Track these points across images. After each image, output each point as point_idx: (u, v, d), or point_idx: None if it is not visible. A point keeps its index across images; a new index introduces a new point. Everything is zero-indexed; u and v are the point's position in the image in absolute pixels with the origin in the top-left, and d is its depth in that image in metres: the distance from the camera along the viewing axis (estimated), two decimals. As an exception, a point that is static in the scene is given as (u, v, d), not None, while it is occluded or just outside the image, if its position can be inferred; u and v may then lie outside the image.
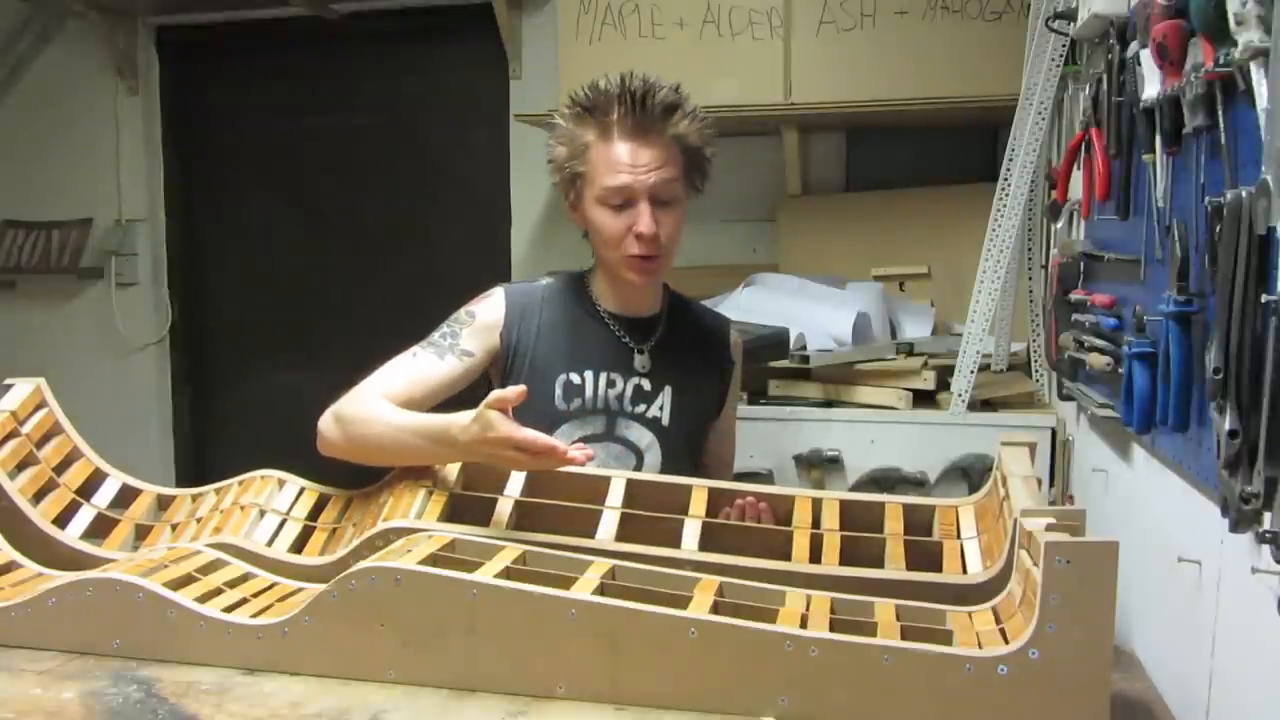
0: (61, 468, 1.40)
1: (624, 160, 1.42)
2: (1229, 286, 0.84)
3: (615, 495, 1.27)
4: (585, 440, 1.50)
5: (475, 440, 1.24)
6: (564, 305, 1.56)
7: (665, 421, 1.53)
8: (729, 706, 0.97)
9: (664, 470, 1.51)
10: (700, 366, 1.60)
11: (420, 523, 1.24)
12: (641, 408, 1.52)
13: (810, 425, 2.15)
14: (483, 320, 1.54)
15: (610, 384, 1.52)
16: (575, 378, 1.52)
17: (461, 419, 1.26)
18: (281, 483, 1.40)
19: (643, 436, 1.52)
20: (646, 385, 1.53)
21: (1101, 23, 1.44)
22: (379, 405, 1.38)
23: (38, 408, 1.42)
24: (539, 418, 1.49)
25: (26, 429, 1.39)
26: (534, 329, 1.54)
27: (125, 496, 1.42)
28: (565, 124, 1.49)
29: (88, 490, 1.41)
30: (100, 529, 1.38)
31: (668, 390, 1.53)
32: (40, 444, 1.39)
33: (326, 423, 1.41)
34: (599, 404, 1.51)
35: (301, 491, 1.39)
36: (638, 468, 1.51)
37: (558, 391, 1.51)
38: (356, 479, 1.38)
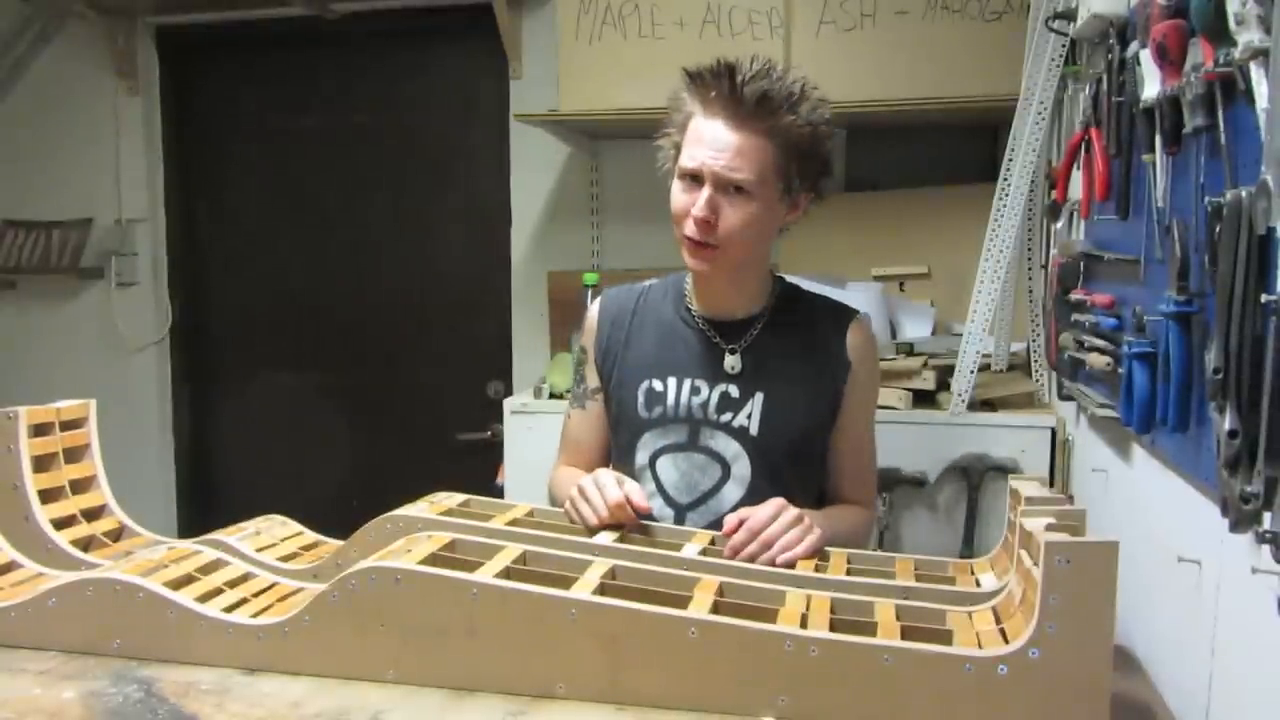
0: (75, 487, 1.40)
1: (704, 139, 1.37)
2: (1229, 286, 0.84)
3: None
4: (666, 450, 1.48)
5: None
6: (658, 309, 1.55)
7: (754, 431, 1.46)
8: (729, 706, 0.97)
9: (756, 483, 1.45)
10: (805, 370, 1.48)
11: (419, 512, 1.25)
12: (728, 416, 1.46)
13: (810, 425, 2.14)
14: (587, 347, 1.58)
15: (695, 391, 1.47)
16: (658, 384, 1.49)
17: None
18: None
19: (729, 447, 1.46)
20: (735, 392, 1.46)
21: (1101, 23, 1.44)
22: (560, 477, 1.57)
23: (79, 422, 1.42)
24: (625, 425, 1.52)
25: (62, 433, 1.39)
26: (624, 335, 1.54)
27: (122, 535, 1.42)
28: (680, 91, 1.42)
29: (88, 516, 1.40)
30: (88, 548, 1.37)
31: (758, 397, 1.46)
32: (67, 455, 1.39)
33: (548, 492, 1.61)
34: (681, 412, 1.47)
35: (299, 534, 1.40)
36: (724, 479, 1.47)
37: (640, 399, 1.50)
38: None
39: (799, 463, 1.49)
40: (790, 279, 1.60)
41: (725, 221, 1.38)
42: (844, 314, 1.54)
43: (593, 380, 1.57)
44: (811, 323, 1.52)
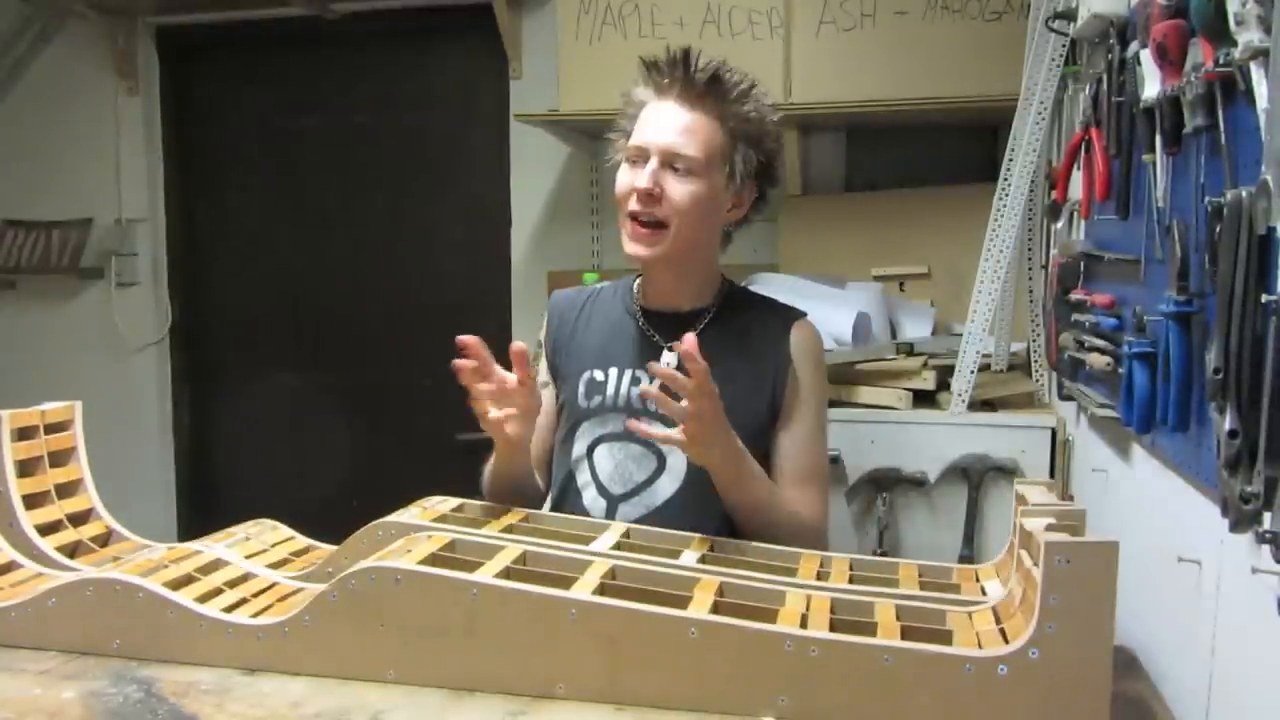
0: (61, 491, 1.38)
1: (654, 121, 1.41)
2: (1229, 286, 0.84)
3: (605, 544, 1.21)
4: (604, 440, 1.48)
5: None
6: (607, 305, 1.57)
7: None
8: (729, 706, 0.97)
9: (692, 476, 1.42)
10: (746, 367, 1.46)
11: (411, 518, 1.24)
12: None
13: (810, 425, 2.14)
14: (542, 340, 1.60)
15: (635, 381, 1.47)
16: (599, 375, 1.50)
17: None
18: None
19: None
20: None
21: (1101, 23, 1.44)
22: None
23: (64, 425, 1.40)
24: (567, 416, 1.54)
25: (47, 436, 1.37)
26: (570, 329, 1.56)
27: (109, 540, 1.40)
28: (634, 86, 1.46)
29: (75, 521, 1.38)
30: (75, 554, 1.35)
31: None
32: (52, 458, 1.38)
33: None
34: (619, 402, 1.48)
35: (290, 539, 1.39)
36: (659, 470, 1.46)
37: (580, 389, 1.51)
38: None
39: None
40: (770, 284, 1.60)
41: (670, 196, 1.39)
42: (788, 314, 1.54)
43: (545, 375, 1.58)
44: (756, 322, 1.51)
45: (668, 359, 1.46)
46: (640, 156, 1.41)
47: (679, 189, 1.40)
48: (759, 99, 1.44)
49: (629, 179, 1.42)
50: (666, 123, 1.40)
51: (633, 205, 1.41)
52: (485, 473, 1.50)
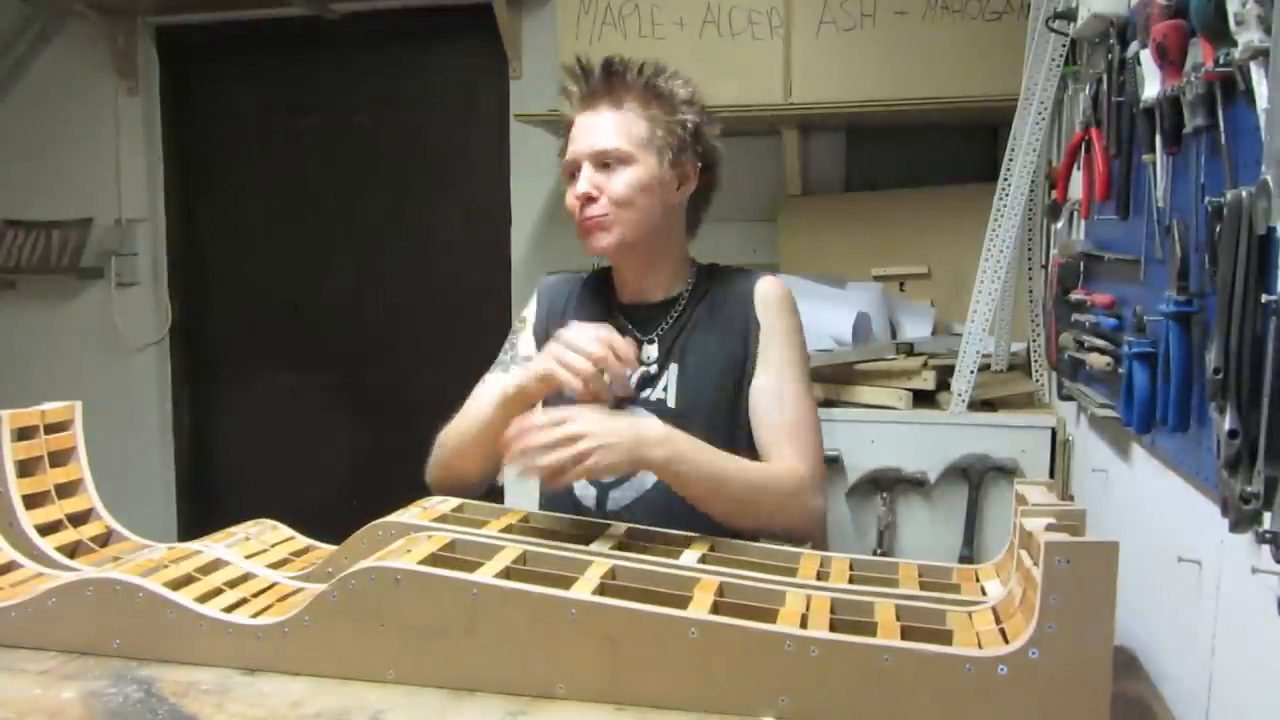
0: (61, 491, 1.38)
1: (575, 135, 1.48)
2: (1229, 286, 0.84)
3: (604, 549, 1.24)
4: None
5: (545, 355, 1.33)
6: (589, 298, 1.59)
7: (671, 403, 1.48)
8: (729, 706, 0.97)
9: None
10: (718, 337, 1.50)
11: (411, 519, 1.24)
12: (646, 392, 1.50)
13: (810, 425, 2.14)
14: (527, 318, 1.62)
15: None
16: None
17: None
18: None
19: None
20: (653, 370, 1.51)
21: (1101, 23, 1.44)
22: (462, 412, 1.54)
23: (64, 425, 1.40)
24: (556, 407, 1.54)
25: (47, 436, 1.37)
26: (560, 318, 1.57)
27: (109, 539, 1.40)
28: (562, 111, 1.54)
29: (75, 521, 1.38)
30: (75, 554, 1.35)
31: (672, 369, 1.49)
32: (52, 458, 1.37)
33: (432, 454, 1.56)
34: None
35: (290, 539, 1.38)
36: None
37: None
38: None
39: (720, 432, 1.46)
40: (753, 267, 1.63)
41: (610, 190, 1.45)
42: (753, 276, 1.57)
43: (525, 349, 1.59)
44: (723, 292, 1.54)
45: (647, 351, 1.51)
46: (575, 169, 1.47)
47: (616, 181, 1.45)
48: (660, 73, 1.49)
49: (570, 195, 1.48)
50: (585, 129, 1.46)
51: (579, 213, 1.47)
52: (460, 415, 1.52)
